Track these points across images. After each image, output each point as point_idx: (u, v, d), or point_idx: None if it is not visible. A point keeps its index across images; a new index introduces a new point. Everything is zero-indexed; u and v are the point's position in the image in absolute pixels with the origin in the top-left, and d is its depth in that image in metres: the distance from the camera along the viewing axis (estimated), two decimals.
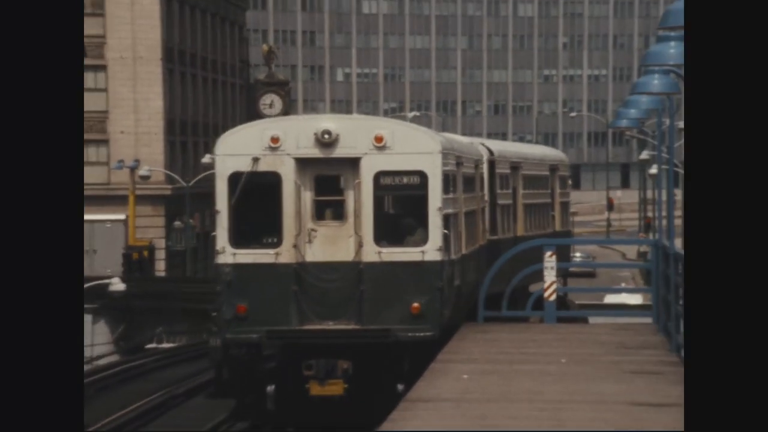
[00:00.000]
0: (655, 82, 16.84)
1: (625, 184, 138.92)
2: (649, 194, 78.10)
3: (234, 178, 19.51)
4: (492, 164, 25.61)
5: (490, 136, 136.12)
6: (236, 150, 19.61)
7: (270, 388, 18.95)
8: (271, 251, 19.23)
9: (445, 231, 19.44)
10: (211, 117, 73.92)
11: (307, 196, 19.28)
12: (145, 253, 60.32)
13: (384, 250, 19.08)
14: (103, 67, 65.06)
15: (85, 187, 66.25)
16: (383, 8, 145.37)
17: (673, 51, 13.77)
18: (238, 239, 19.43)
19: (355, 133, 19.39)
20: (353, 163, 19.21)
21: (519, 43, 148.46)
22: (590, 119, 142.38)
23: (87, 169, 65.99)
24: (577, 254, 71.25)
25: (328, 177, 19.46)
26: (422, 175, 19.26)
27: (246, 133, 19.91)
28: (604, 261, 77.50)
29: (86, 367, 39.39)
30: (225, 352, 20.02)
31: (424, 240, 19.21)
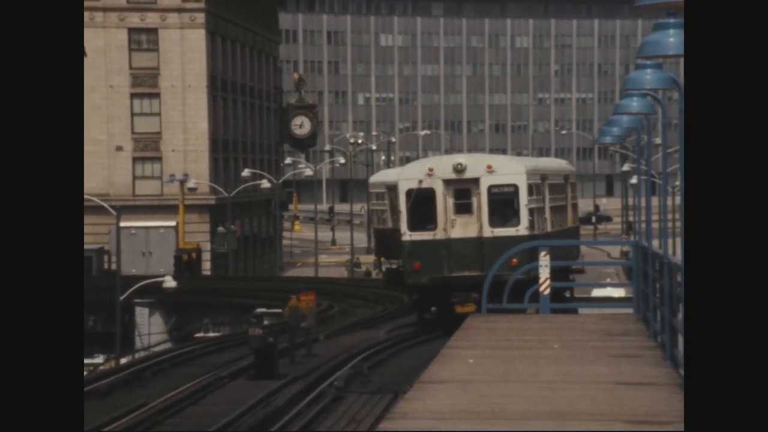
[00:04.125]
0: (635, 104, 16.80)
1: (609, 192, 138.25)
2: (630, 201, 77.80)
3: (408, 193, 28.84)
4: None
5: (491, 151, 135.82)
6: (409, 176, 29.29)
7: (433, 309, 29.00)
8: (431, 233, 28.84)
9: (530, 218, 28.94)
10: (249, 136, 74.00)
11: (450, 201, 28.89)
12: (194, 255, 60.42)
13: (495, 229, 28.80)
14: (157, 95, 65.21)
15: (141, 197, 66.64)
16: (398, 41, 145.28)
17: (650, 77, 13.74)
18: (412, 226, 28.85)
19: (475, 164, 29.22)
20: (475, 181, 28.92)
21: (516, 71, 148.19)
22: (579, 136, 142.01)
23: (143, 182, 66.09)
24: None
25: (462, 189, 28.99)
26: (515, 186, 28.93)
27: (414, 167, 30.39)
28: (591, 260, 77.67)
29: (144, 353, 39.36)
30: (409, 293, 30.89)
31: (517, 223, 28.88)
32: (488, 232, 28.63)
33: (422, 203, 28.61)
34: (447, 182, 28.74)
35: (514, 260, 25.72)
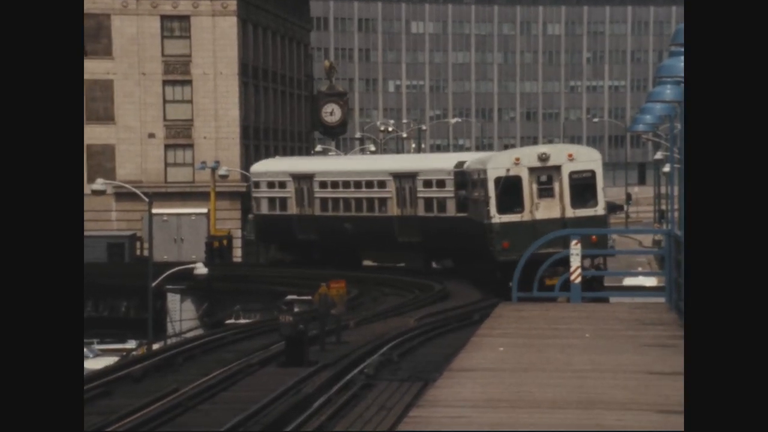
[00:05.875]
0: (668, 91, 16.70)
1: (641, 181, 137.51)
2: (663, 189, 77.39)
3: (497, 180, 33.04)
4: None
5: (522, 140, 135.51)
6: (497, 165, 33.46)
7: (510, 284, 30.82)
8: (518, 215, 32.91)
9: (607, 200, 33.31)
10: (280, 123, 74.10)
11: (534, 186, 32.92)
12: (224, 242, 60.63)
13: (576, 210, 32.76)
14: (189, 82, 65.41)
15: (173, 184, 66.91)
16: (429, 28, 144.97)
17: (683, 64, 13.63)
18: (501, 209, 33.03)
19: (558, 153, 33.61)
20: (558, 168, 33.02)
21: (548, 58, 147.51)
22: (611, 124, 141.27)
23: (175, 170, 66.34)
24: None
25: (545, 176, 32.93)
26: (593, 172, 33.25)
27: (501, 157, 34.63)
28: (623, 248, 77.42)
29: (175, 339, 39.51)
30: (498, 269, 32.78)
31: (596, 204, 33.04)
32: (570, 213, 32.66)
33: (509, 189, 32.69)
34: (532, 170, 32.87)
35: (594, 237, 30.04)
